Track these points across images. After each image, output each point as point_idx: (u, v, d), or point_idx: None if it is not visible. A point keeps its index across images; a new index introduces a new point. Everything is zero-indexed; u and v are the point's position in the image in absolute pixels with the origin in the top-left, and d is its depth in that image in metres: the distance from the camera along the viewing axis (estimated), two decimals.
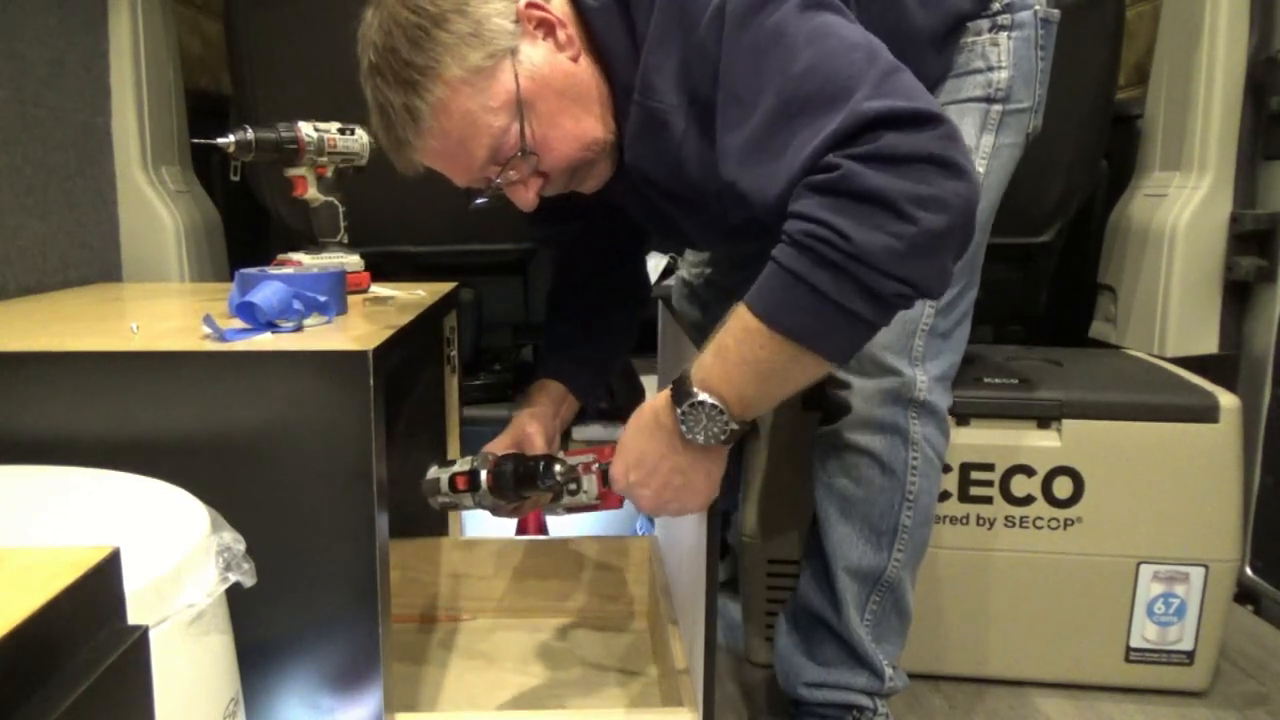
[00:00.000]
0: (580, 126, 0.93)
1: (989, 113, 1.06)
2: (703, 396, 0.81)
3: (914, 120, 0.73)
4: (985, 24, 1.05)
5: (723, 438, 0.83)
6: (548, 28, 0.91)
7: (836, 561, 1.09)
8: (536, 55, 0.90)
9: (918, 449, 1.07)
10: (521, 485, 1.03)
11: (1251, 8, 1.58)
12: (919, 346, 1.06)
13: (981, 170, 1.06)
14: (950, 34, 1.05)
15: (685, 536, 1.12)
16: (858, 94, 0.75)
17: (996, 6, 1.05)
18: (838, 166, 0.73)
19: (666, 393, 0.85)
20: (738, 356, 0.80)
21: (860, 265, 0.73)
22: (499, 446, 1.14)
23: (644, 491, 0.89)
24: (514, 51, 0.89)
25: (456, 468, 1.07)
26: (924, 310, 1.06)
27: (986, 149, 1.06)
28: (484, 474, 1.04)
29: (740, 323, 0.79)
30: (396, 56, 0.88)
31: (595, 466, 1.00)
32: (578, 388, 1.21)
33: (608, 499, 1.08)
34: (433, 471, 1.09)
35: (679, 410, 0.83)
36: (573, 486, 1.01)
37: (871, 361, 1.05)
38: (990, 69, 1.05)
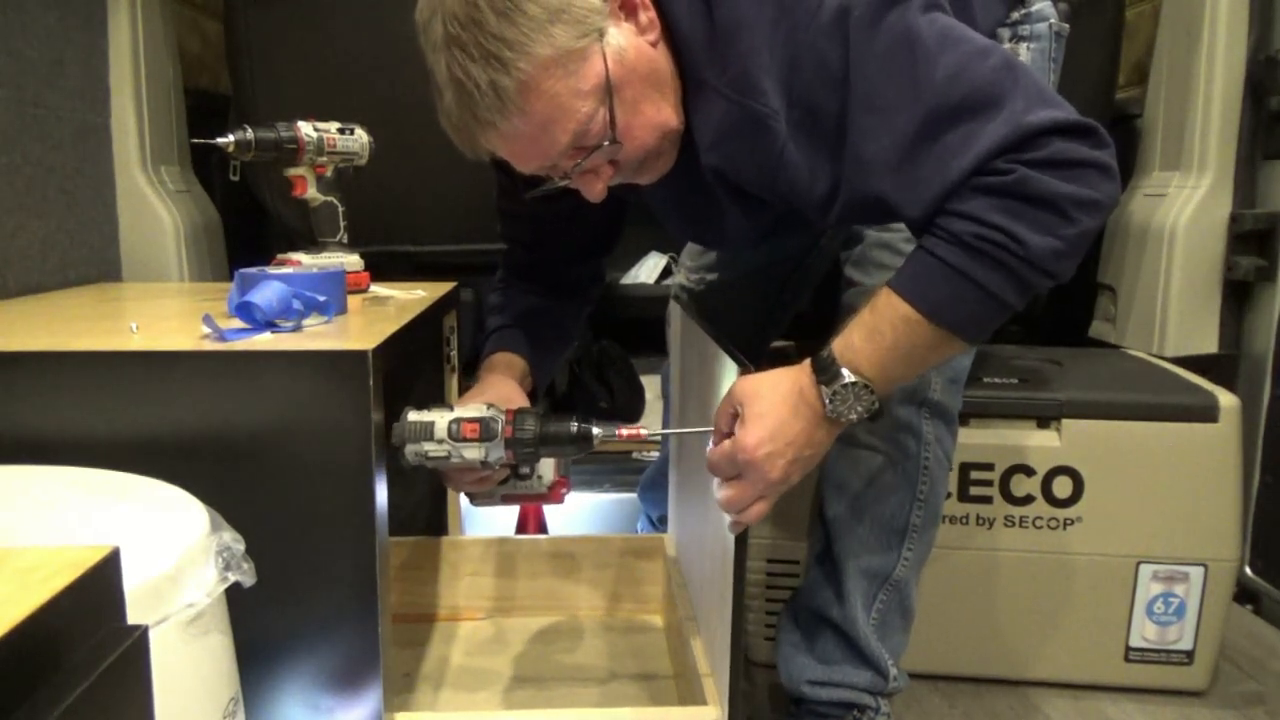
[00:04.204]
0: (661, 115, 0.91)
1: None
2: (854, 378, 0.85)
3: (1078, 130, 0.79)
4: (1006, 33, 1.06)
5: (867, 416, 0.87)
6: (630, 8, 0.88)
7: (846, 561, 1.09)
8: (623, 38, 0.87)
9: (929, 449, 1.07)
10: (547, 442, 0.93)
11: (1251, 7, 1.58)
12: None
13: None
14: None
15: (707, 534, 1.12)
16: (1013, 103, 0.78)
17: (1016, 16, 1.05)
18: (1011, 171, 0.77)
19: (807, 372, 0.87)
20: (891, 342, 0.84)
21: (1028, 266, 0.79)
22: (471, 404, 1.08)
23: (778, 462, 0.87)
24: (602, 33, 0.86)
25: (460, 413, 0.93)
26: None
27: None
28: (501, 423, 0.92)
29: (896, 312, 0.83)
30: (483, 29, 0.82)
31: (535, 486, 0.99)
32: (536, 365, 1.18)
33: (554, 493, 1.06)
34: (415, 415, 0.94)
35: (830, 390, 0.85)
36: (526, 470, 0.97)
37: None
38: None
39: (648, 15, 0.89)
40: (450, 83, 0.86)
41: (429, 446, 0.93)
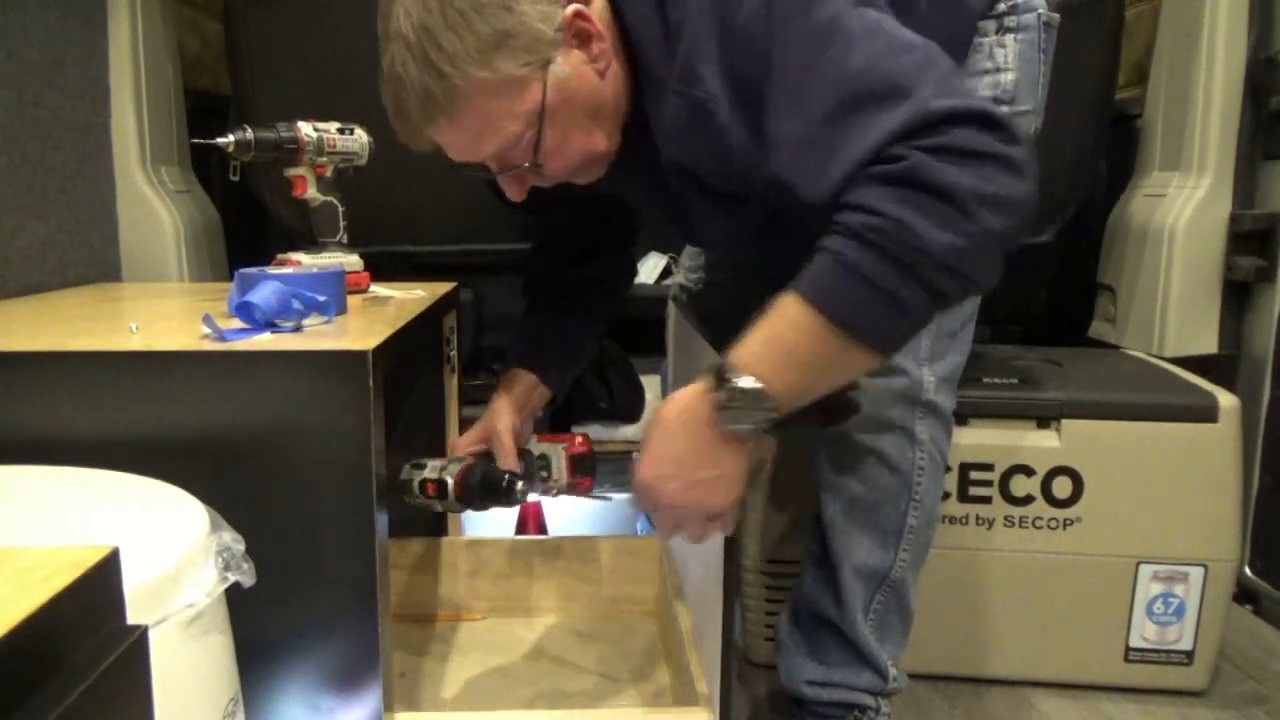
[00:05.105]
0: (590, 141, 0.92)
1: None
2: (746, 382, 0.79)
3: (982, 119, 0.74)
4: (992, 25, 1.05)
5: (764, 427, 0.81)
6: (585, 38, 0.89)
7: (843, 562, 1.09)
8: (569, 68, 0.88)
9: (924, 449, 1.07)
10: (485, 498, 1.13)
11: (1251, 8, 1.58)
12: (926, 346, 1.06)
13: None
14: (967, 32, 1.05)
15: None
16: (922, 91, 0.75)
17: (1003, 7, 1.05)
18: (905, 157, 0.73)
19: (700, 382, 0.82)
20: (791, 345, 0.79)
21: (926, 261, 0.74)
22: (469, 440, 1.20)
23: (670, 486, 0.84)
24: (548, 62, 0.86)
25: (426, 473, 1.14)
26: None
27: None
28: (450, 483, 1.13)
29: (791, 311, 0.78)
30: (431, 37, 0.83)
31: (554, 486, 1.18)
32: (549, 378, 1.22)
33: (579, 486, 1.25)
34: (405, 472, 1.17)
35: (719, 396, 0.80)
36: (520, 487, 1.13)
37: None
38: (998, 70, 1.05)
39: (600, 46, 0.90)
40: (391, 76, 0.87)
41: (412, 499, 1.17)
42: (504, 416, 1.18)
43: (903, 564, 1.09)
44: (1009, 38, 1.05)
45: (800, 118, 0.80)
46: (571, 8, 0.86)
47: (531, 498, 1.27)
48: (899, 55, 0.78)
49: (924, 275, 0.74)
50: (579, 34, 0.88)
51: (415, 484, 1.15)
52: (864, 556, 1.08)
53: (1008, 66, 1.05)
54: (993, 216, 0.73)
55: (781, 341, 0.79)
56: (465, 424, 1.55)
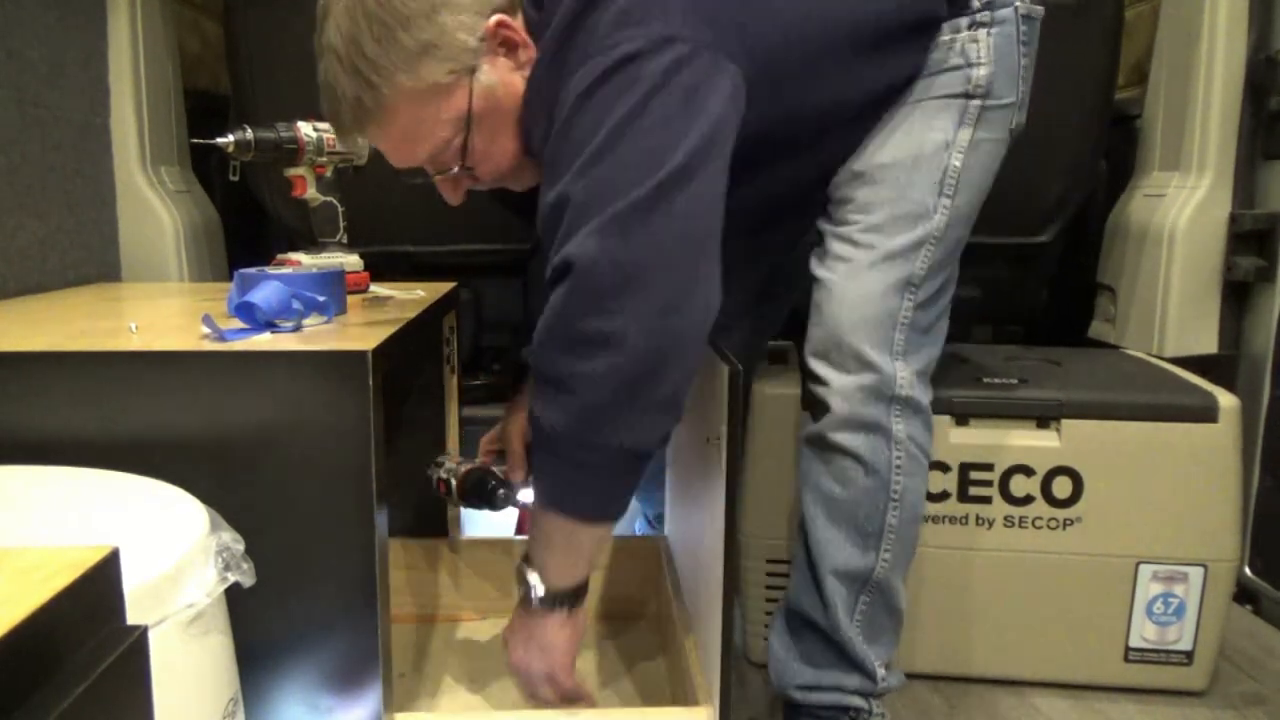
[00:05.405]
0: (518, 143, 0.97)
1: (967, 108, 1.05)
2: (521, 564, 1.00)
3: (591, 282, 0.84)
4: (964, 21, 1.05)
5: (538, 604, 0.98)
6: (510, 46, 0.94)
7: (824, 564, 1.08)
8: (494, 75, 0.93)
9: (901, 447, 1.05)
10: (480, 502, 1.24)
11: (1251, 8, 1.58)
12: (899, 341, 1.05)
13: (959, 164, 1.05)
14: (922, 31, 1.04)
15: (701, 534, 1.12)
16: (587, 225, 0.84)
17: (976, 4, 1.04)
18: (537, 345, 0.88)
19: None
20: (535, 528, 0.98)
21: (560, 441, 0.87)
22: (488, 440, 1.30)
23: (512, 651, 1.03)
24: (473, 70, 0.92)
25: (440, 471, 1.29)
26: (903, 303, 1.04)
27: (964, 143, 1.06)
28: (454, 484, 1.26)
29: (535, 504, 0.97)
30: (359, 48, 0.89)
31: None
32: None
33: None
34: (430, 468, 1.31)
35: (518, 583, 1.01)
36: (501, 494, 1.24)
37: (851, 356, 1.04)
38: (969, 65, 1.05)
39: (527, 54, 0.95)
40: (325, 86, 0.94)
41: (434, 493, 1.30)
42: (516, 424, 1.24)
43: (885, 564, 1.08)
44: (982, 33, 1.04)
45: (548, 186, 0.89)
46: (495, 18, 0.91)
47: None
48: (613, 172, 0.85)
49: (566, 452, 0.89)
50: (505, 42, 0.93)
51: (434, 480, 1.29)
52: (844, 558, 1.07)
53: (980, 61, 1.04)
54: (590, 392, 0.84)
55: (535, 529, 0.98)
56: (465, 424, 1.55)
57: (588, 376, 0.83)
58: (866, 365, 1.04)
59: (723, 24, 0.90)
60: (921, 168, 1.04)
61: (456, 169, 0.96)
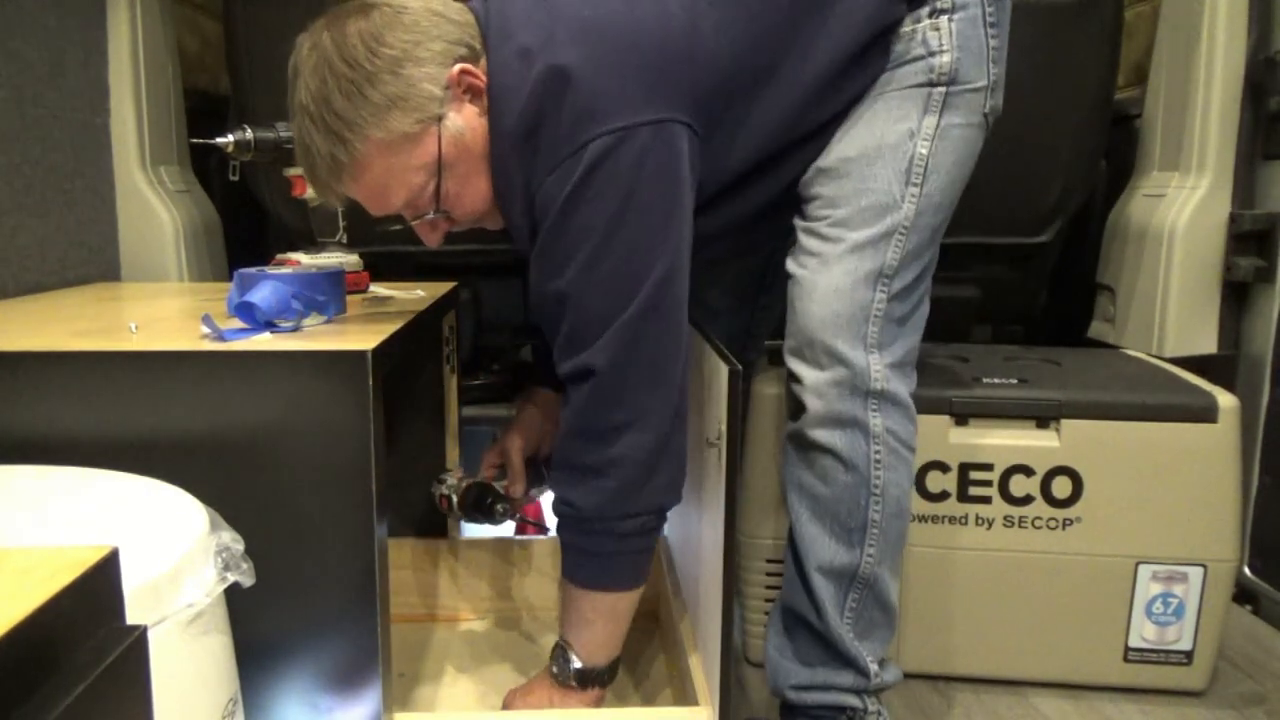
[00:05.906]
0: (490, 185, 1.01)
1: (931, 95, 1.04)
2: (561, 645, 1.08)
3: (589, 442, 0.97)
4: (924, 11, 1.03)
5: (574, 681, 1.07)
6: (476, 92, 0.97)
7: (809, 561, 1.08)
8: (461, 121, 0.97)
9: (879, 441, 1.04)
10: (480, 517, 1.28)
11: (1250, 8, 1.58)
12: (873, 333, 1.03)
13: (925, 151, 1.04)
14: (882, 37, 1.04)
15: (702, 534, 1.12)
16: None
17: None
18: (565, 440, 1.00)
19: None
20: (573, 612, 1.06)
21: (595, 521, 0.98)
22: (491, 454, 1.31)
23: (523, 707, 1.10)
24: (441, 118, 0.95)
25: (443, 489, 1.32)
26: (875, 295, 1.03)
27: (930, 130, 1.04)
28: (455, 499, 1.29)
29: (565, 583, 1.06)
30: (328, 106, 0.94)
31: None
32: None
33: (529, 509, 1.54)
34: (433, 485, 1.34)
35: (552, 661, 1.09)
36: (500, 510, 1.27)
37: (823, 351, 1.03)
38: (931, 54, 1.03)
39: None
40: (300, 144, 0.99)
41: (438, 508, 1.33)
42: (516, 439, 1.28)
43: (871, 559, 1.07)
44: (943, 19, 1.03)
45: (536, 281, 0.99)
46: (457, 66, 0.95)
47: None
48: (596, 298, 0.95)
49: (597, 530, 0.99)
50: (470, 89, 0.97)
51: (436, 497, 1.32)
52: (829, 555, 1.07)
53: (943, 49, 1.03)
54: (623, 470, 0.96)
55: (568, 608, 1.07)
56: (465, 424, 1.56)
57: (619, 458, 0.95)
58: (839, 360, 1.03)
59: (672, 82, 0.95)
60: (885, 158, 1.03)
61: (432, 213, 1.00)
